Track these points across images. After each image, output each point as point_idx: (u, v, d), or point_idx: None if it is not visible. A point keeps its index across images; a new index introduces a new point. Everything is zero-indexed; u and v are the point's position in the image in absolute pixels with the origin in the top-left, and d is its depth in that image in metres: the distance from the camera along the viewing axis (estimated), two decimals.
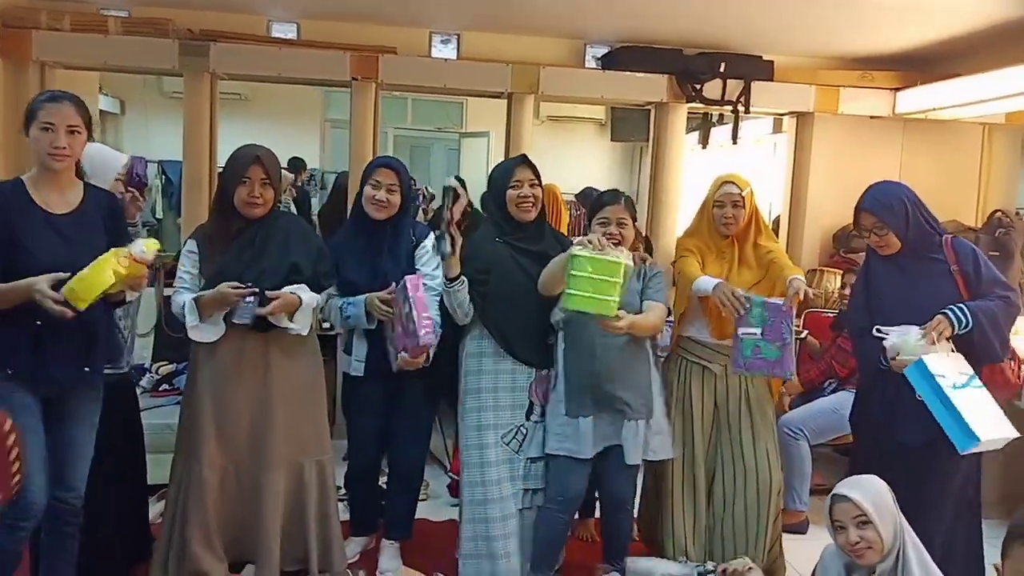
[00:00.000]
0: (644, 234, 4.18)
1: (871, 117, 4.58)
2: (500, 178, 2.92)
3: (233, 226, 2.66)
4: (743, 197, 2.94)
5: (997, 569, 1.79)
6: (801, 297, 2.76)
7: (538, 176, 2.91)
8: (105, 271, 2.17)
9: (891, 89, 4.56)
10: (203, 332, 2.63)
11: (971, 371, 2.48)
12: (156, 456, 2.98)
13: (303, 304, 2.63)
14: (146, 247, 2.27)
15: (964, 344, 2.54)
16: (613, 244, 2.69)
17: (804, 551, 3.02)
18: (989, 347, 2.58)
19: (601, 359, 2.74)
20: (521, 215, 2.86)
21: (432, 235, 2.88)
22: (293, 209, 6.61)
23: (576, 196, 5.77)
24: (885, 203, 2.66)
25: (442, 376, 2.97)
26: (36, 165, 2.32)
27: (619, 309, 2.53)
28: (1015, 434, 2.43)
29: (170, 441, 2.85)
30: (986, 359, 2.62)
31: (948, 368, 2.45)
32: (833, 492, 2.17)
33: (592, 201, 2.95)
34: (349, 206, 4.21)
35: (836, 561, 2.24)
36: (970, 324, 2.52)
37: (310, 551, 2.78)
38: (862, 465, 2.58)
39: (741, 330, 2.75)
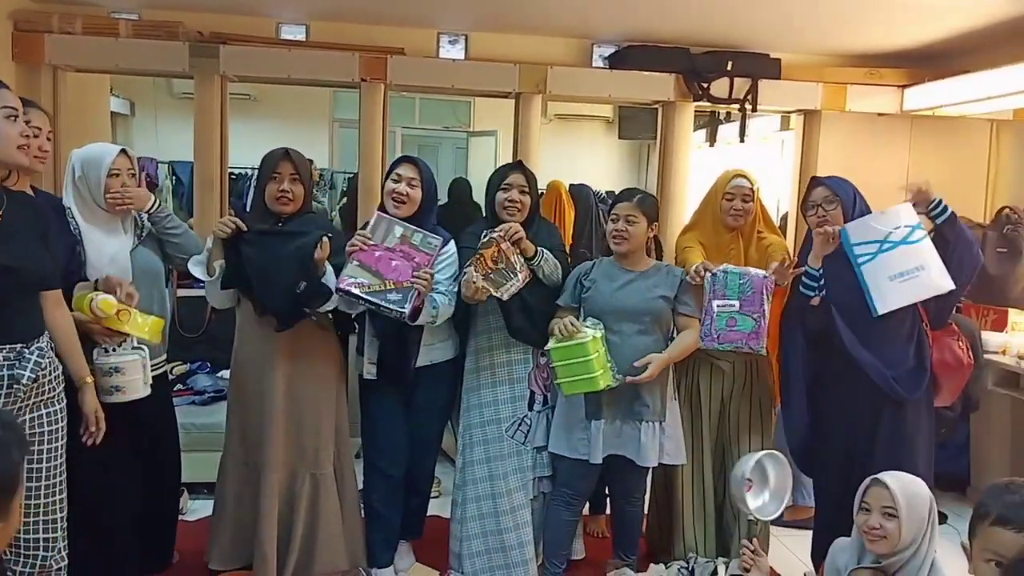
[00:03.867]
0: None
1: (879, 114, 4.59)
2: (493, 180, 2.95)
3: (265, 224, 2.71)
4: (753, 191, 2.97)
5: (965, 548, 1.80)
6: (785, 270, 2.77)
7: (531, 183, 2.93)
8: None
9: (899, 86, 4.56)
10: (212, 291, 2.70)
11: (914, 221, 2.66)
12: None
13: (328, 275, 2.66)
14: (102, 304, 2.35)
15: (942, 246, 2.68)
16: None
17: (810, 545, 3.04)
18: (967, 249, 2.72)
19: (628, 362, 2.74)
20: (505, 217, 2.88)
21: (453, 243, 2.89)
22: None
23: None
24: (839, 181, 2.85)
25: (455, 382, 3.01)
26: None
27: (613, 370, 2.67)
28: (944, 288, 2.65)
29: (186, 441, 2.92)
30: (968, 262, 2.73)
31: (880, 226, 2.67)
32: (874, 476, 2.20)
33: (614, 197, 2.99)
34: (360, 204, 4.29)
35: (845, 552, 2.26)
36: (948, 211, 2.70)
37: (287, 562, 2.80)
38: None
39: (716, 303, 2.74)
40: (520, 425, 2.93)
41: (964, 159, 4.63)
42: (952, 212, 2.71)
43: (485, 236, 2.74)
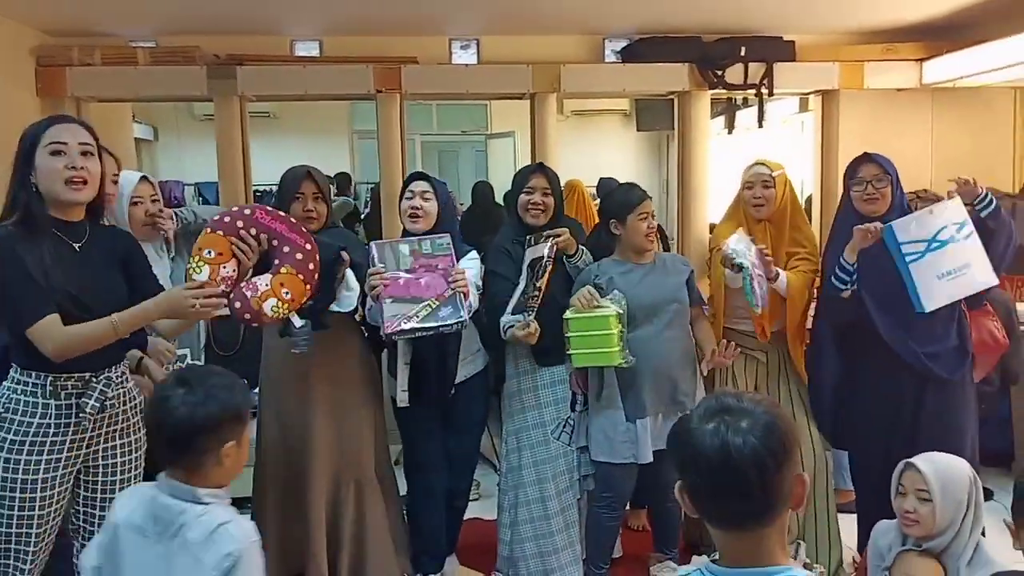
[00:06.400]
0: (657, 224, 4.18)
1: (898, 90, 4.52)
2: (516, 183, 2.98)
3: None
4: (773, 178, 2.95)
5: (1009, 525, 1.79)
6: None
7: (554, 184, 2.95)
8: None
9: (916, 60, 4.49)
10: None
11: (962, 218, 2.67)
12: None
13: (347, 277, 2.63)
14: None
15: (984, 234, 2.70)
16: (653, 240, 2.87)
17: (855, 530, 3.02)
18: (1008, 237, 2.75)
19: (664, 357, 2.79)
20: (529, 220, 2.91)
21: (474, 252, 2.91)
22: None
23: (597, 188, 5.73)
24: (888, 159, 2.84)
25: (487, 394, 3.04)
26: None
27: (626, 350, 2.66)
28: (988, 283, 2.70)
29: None
30: (1010, 250, 2.77)
31: (930, 225, 2.67)
32: (907, 460, 2.20)
33: (620, 198, 2.95)
34: (384, 213, 4.33)
35: (888, 535, 2.25)
36: (993, 203, 2.71)
37: (339, 570, 2.83)
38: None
39: (756, 271, 2.76)
40: (564, 427, 2.94)
41: (989, 129, 4.56)
42: (997, 204, 2.72)
43: (535, 261, 2.75)
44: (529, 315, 2.71)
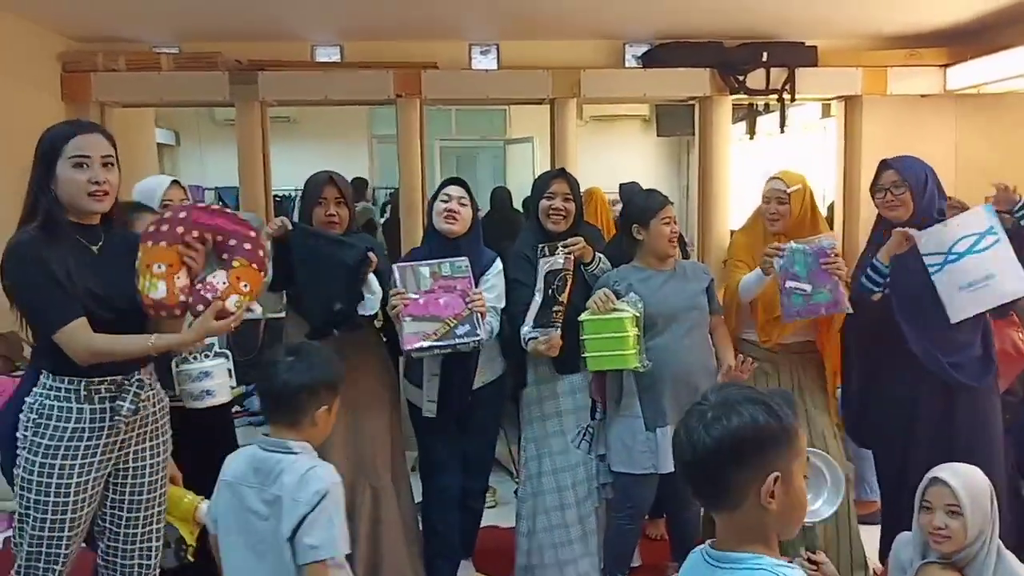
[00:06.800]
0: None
1: (921, 96, 4.49)
2: (537, 188, 2.97)
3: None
4: (788, 194, 2.88)
5: None
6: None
7: (575, 190, 2.94)
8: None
9: (940, 66, 4.45)
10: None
11: (983, 228, 2.61)
12: None
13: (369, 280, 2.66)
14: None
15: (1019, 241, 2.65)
16: (672, 247, 2.82)
17: (874, 540, 2.98)
18: None
19: (684, 364, 2.76)
20: (550, 226, 2.90)
21: (499, 264, 2.91)
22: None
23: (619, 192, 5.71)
24: (909, 164, 2.76)
25: (504, 398, 3.02)
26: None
27: (642, 354, 2.65)
28: (1020, 293, 2.64)
29: None
30: None
31: (945, 238, 2.63)
32: (932, 474, 2.14)
33: (642, 203, 2.94)
34: (403, 218, 4.34)
35: (908, 548, 2.21)
36: None
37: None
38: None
39: (789, 283, 2.70)
40: (584, 435, 2.92)
41: (1013, 136, 4.50)
42: None
43: (552, 274, 2.73)
44: (553, 330, 2.70)
